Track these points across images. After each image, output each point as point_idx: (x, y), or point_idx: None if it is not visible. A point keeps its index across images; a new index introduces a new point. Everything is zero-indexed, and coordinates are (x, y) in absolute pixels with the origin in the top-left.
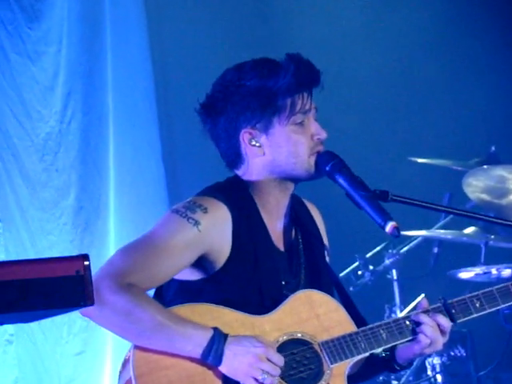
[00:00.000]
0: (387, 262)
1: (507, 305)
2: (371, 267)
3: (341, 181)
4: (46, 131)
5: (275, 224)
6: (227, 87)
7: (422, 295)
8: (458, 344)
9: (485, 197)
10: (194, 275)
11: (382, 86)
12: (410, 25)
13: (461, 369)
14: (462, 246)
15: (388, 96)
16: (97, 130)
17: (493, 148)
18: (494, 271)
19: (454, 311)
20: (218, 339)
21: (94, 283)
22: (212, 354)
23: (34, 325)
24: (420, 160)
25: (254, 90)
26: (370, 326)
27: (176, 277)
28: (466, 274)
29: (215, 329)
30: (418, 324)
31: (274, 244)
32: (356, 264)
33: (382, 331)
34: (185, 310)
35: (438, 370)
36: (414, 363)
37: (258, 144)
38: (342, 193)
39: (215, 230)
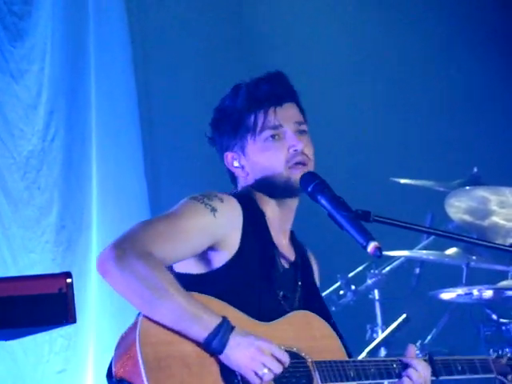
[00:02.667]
0: (369, 282)
1: (485, 375)
2: (353, 287)
3: (323, 201)
4: (29, 149)
5: (279, 239)
6: (215, 112)
7: (404, 315)
8: None
9: (467, 218)
10: (197, 268)
11: (365, 106)
12: (397, 45)
13: None
14: (444, 266)
15: (370, 116)
16: (79, 147)
17: (475, 169)
18: (475, 292)
19: (437, 367)
20: (226, 327)
21: (115, 246)
22: (217, 340)
23: (14, 343)
24: (402, 181)
25: (226, 112)
26: (360, 358)
27: (177, 269)
28: (447, 295)
29: (224, 317)
30: (405, 368)
31: (277, 255)
32: (338, 284)
33: (371, 366)
34: (202, 297)
35: None
36: None
37: (239, 165)
38: (324, 213)
39: (229, 221)
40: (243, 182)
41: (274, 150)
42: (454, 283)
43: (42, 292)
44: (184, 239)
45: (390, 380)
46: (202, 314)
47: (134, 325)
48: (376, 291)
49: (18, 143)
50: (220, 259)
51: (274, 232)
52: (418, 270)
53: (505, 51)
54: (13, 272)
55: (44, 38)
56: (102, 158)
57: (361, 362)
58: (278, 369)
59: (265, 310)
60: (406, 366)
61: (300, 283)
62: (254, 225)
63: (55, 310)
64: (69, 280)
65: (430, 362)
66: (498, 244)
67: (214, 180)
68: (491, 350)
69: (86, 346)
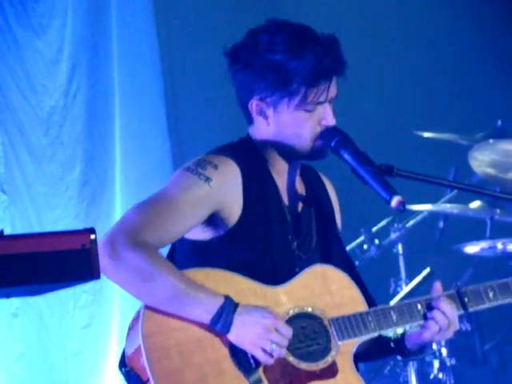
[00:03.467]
0: (393, 236)
1: None
2: (377, 241)
3: (346, 156)
4: (51, 105)
5: (287, 186)
6: (253, 51)
7: (428, 269)
8: (464, 318)
9: (490, 171)
10: (206, 234)
11: (388, 61)
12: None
13: (466, 342)
14: (468, 220)
15: (393, 71)
16: (102, 103)
17: (499, 122)
18: (499, 245)
19: (466, 299)
20: (229, 307)
21: (108, 239)
22: (221, 322)
23: (39, 299)
24: (426, 134)
25: (276, 64)
26: (382, 306)
27: (188, 236)
28: (471, 249)
29: (226, 297)
30: (429, 309)
31: (285, 203)
32: (361, 238)
33: (392, 313)
34: (199, 274)
35: (443, 343)
36: None
37: (264, 115)
38: (347, 168)
39: (226, 186)
40: (260, 129)
41: (309, 122)
42: (477, 237)
43: (65, 248)
44: (181, 216)
45: (416, 323)
46: (204, 297)
47: (137, 316)
48: (400, 245)
49: (40, 99)
50: (226, 224)
51: (280, 179)
52: (441, 224)
53: None
54: (37, 228)
55: None
56: (124, 113)
57: (382, 310)
58: (285, 344)
59: (279, 263)
60: (430, 306)
61: (315, 224)
62: (257, 179)
63: (79, 265)
64: (92, 236)
65: (458, 295)
66: None
67: (235, 137)
68: None
69: (111, 301)
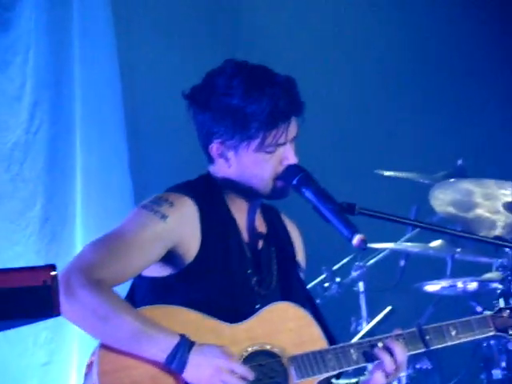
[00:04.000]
0: (354, 274)
1: (483, 336)
2: (338, 279)
3: (307, 194)
4: (13, 141)
5: (247, 223)
6: (211, 93)
7: (389, 307)
8: (424, 357)
9: (451, 210)
10: (163, 271)
11: (349, 99)
12: (381, 37)
13: (426, 381)
14: (429, 259)
15: (354, 108)
16: (64, 140)
17: (460, 161)
18: (459, 284)
19: (428, 337)
20: (184, 347)
21: (63, 276)
22: (176, 361)
23: None
24: (387, 173)
25: (233, 108)
26: (342, 344)
27: (146, 274)
28: (432, 287)
29: (182, 336)
30: (388, 349)
31: (244, 240)
32: (323, 276)
33: (352, 351)
34: (156, 311)
35: (403, 382)
36: None
37: (224, 158)
38: (309, 206)
39: (182, 223)
40: (222, 169)
41: (269, 163)
42: (438, 275)
43: (26, 284)
44: (137, 253)
45: (376, 362)
46: (159, 335)
47: (94, 354)
48: (361, 283)
49: (2, 135)
50: (183, 260)
51: (240, 216)
52: (402, 263)
53: (485, 43)
54: None
55: (28, 29)
56: (86, 150)
57: (342, 347)
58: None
59: (238, 300)
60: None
61: (275, 262)
62: (215, 216)
63: (40, 302)
64: (53, 272)
65: (419, 333)
66: (482, 236)
67: (198, 172)
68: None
69: (71, 339)
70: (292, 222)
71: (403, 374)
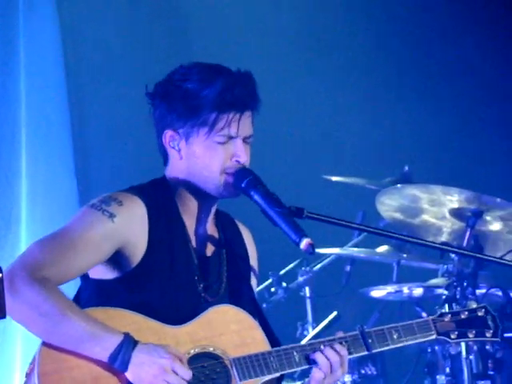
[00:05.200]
0: (300, 279)
1: (425, 339)
2: (284, 284)
3: (256, 197)
4: None
5: (198, 228)
6: (169, 83)
7: (335, 313)
8: (369, 362)
9: (398, 216)
10: (109, 273)
11: (298, 104)
12: (335, 42)
13: None
14: (375, 264)
15: (304, 113)
16: (9, 143)
17: (406, 167)
18: (405, 290)
19: (370, 340)
20: (127, 345)
21: (8, 273)
22: (119, 359)
23: None
24: (334, 178)
25: (188, 93)
26: (284, 347)
27: (92, 276)
28: (377, 293)
29: (126, 334)
30: (322, 352)
31: (192, 246)
32: (269, 281)
33: (295, 353)
34: (99, 312)
35: None
36: None
37: (176, 148)
38: (257, 209)
39: (130, 223)
40: (174, 164)
41: (219, 154)
42: (384, 281)
43: None
44: (83, 252)
45: (316, 365)
46: (102, 334)
47: (35, 356)
48: (307, 288)
49: None
50: (129, 263)
51: (191, 221)
52: (348, 268)
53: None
54: None
55: None
56: (31, 155)
57: (284, 350)
58: None
59: (183, 305)
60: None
61: (226, 269)
62: (164, 219)
63: None
64: None
65: (362, 336)
66: (428, 241)
67: (145, 178)
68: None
69: (14, 343)
70: (246, 227)
71: (348, 380)
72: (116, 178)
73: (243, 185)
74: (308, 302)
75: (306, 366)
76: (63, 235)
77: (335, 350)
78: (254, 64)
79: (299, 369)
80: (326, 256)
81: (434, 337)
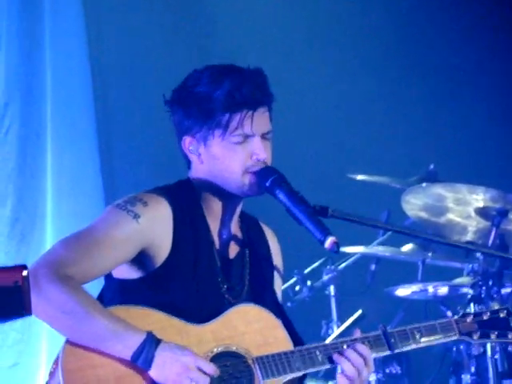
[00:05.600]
0: (325, 277)
1: (447, 340)
2: (309, 283)
3: (281, 196)
4: None
5: (221, 230)
6: (183, 89)
7: (360, 311)
8: (394, 361)
9: (423, 215)
10: (133, 273)
11: (322, 100)
12: (356, 39)
13: None
14: (400, 263)
15: (327, 112)
16: (34, 141)
17: (431, 166)
18: (430, 289)
19: (393, 340)
20: (150, 343)
21: (32, 271)
22: (142, 358)
23: None
24: (359, 177)
25: (200, 98)
26: (307, 346)
27: (116, 275)
28: (402, 292)
29: (149, 333)
30: (345, 355)
31: (216, 248)
32: (294, 279)
33: (318, 352)
34: (121, 311)
35: None
36: None
37: (196, 153)
38: (281, 208)
39: (155, 224)
40: (196, 169)
41: (238, 154)
42: (409, 280)
43: None
44: (107, 252)
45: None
46: (125, 333)
47: (59, 354)
48: (332, 287)
49: None
50: (154, 262)
51: (215, 223)
52: (373, 267)
53: (457, 47)
54: None
55: None
56: (56, 151)
57: (307, 349)
58: (206, 382)
59: (206, 306)
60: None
61: (248, 272)
62: (189, 221)
63: (11, 302)
64: (25, 273)
65: (384, 336)
66: (453, 241)
67: (169, 174)
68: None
69: (39, 340)
70: (269, 228)
71: (372, 379)
72: (141, 174)
73: (268, 183)
74: (333, 300)
75: (329, 366)
76: (88, 234)
77: (358, 352)
78: (275, 63)
79: (322, 368)
80: (350, 255)
81: (456, 337)
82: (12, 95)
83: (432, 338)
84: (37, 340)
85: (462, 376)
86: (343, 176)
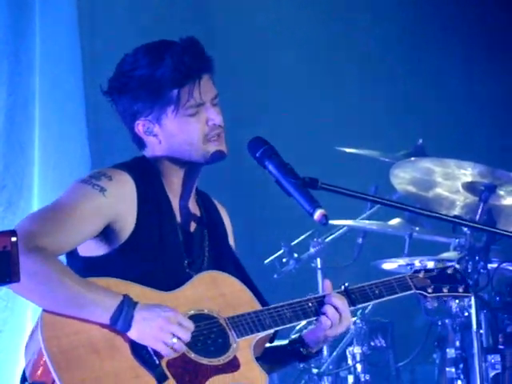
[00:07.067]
0: (312, 250)
1: (404, 294)
2: (296, 255)
3: (270, 167)
4: None
5: (181, 204)
6: (122, 75)
7: (346, 284)
8: (379, 334)
9: (411, 189)
10: (98, 250)
11: (310, 74)
12: (346, 17)
13: (380, 359)
14: (387, 237)
15: (317, 84)
16: (22, 110)
17: (420, 141)
18: (417, 263)
19: (354, 296)
20: (128, 304)
21: None
22: (121, 319)
23: None
24: (348, 150)
25: (143, 80)
26: (275, 305)
27: (81, 253)
28: (389, 265)
29: (125, 295)
30: (321, 305)
31: (178, 222)
32: (281, 251)
33: (285, 310)
34: (100, 282)
35: (358, 359)
36: (334, 352)
37: (152, 134)
38: (270, 180)
39: (121, 197)
40: (154, 149)
41: (194, 125)
42: (396, 254)
43: None
44: (76, 225)
45: (309, 319)
46: (102, 297)
47: (38, 322)
48: (318, 260)
49: None
50: (119, 237)
51: (176, 197)
52: (360, 240)
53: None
54: None
55: None
56: (44, 120)
57: (275, 308)
58: (187, 336)
59: (170, 280)
60: (321, 302)
61: (207, 244)
62: (151, 195)
63: None
64: (14, 238)
65: (346, 292)
66: (441, 214)
67: None
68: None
69: (24, 308)
70: (222, 205)
71: (357, 351)
72: (128, 146)
73: (258, 154)
74: (319, 273)
75: (298, 322)
76: (55, 208)
77: (340, 301)
78: (261, 39)
79: (292, 325)
80: (338, 228)
81: (412, 291)
82: None
83: (390, 292)
84: (21, 308)
85: (447, 350)
86: (332, 149)
